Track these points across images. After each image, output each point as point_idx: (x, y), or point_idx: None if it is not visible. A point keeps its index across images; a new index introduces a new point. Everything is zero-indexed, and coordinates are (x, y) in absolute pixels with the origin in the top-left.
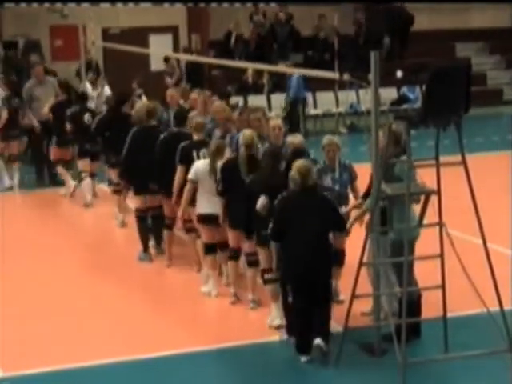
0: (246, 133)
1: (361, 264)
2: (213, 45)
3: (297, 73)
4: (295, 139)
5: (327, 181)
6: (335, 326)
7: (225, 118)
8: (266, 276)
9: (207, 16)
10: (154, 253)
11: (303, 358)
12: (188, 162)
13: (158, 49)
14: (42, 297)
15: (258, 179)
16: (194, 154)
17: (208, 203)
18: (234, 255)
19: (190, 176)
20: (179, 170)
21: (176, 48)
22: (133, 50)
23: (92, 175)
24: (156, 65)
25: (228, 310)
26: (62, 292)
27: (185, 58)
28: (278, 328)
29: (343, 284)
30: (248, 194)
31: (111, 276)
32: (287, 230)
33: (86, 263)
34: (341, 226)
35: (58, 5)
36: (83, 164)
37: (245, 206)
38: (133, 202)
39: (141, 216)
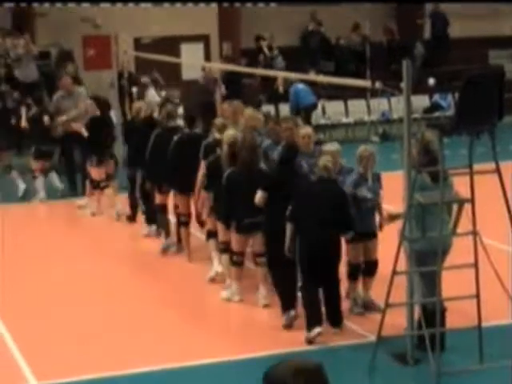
0: (229, 132)
1: (394, 273)
2: (244, 53)
3: (318, 80)
4: (332, 147)
5: (363, 191)
6: (368, 335)
7: (256, 127)
8: (259, 259)
9: (238, 24)
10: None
11: (317, 329)
12: None
13: (190, 58)
14: (69, 304)
15: (236, 173)
16: (218, 151)
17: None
18: (225, 248)
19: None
20: (203, 165)
21: (208, 57)
22: (164, 60)
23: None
24: (187, 74)
25: (250, 318)
26: (88, 299)
27: (218, 66)
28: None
29: (376, 294)
30: (226, 187)
31: (132, 280)
32: (303, 214)
33: (112, 267)
34: (347, 225)
35: (91, 15)
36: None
37: (223, 198)
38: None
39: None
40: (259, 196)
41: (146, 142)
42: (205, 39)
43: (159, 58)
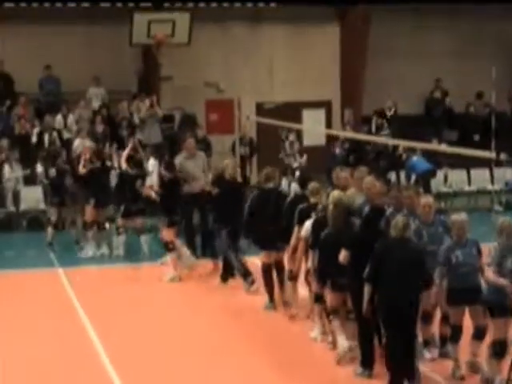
0: (335, 193)
1: None
2: (365, 120)
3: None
4: (459, 217)
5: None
6: None
7: (376, 194)
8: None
9: (360, 91)
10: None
11: None
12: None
13: (311, 124)
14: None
15: (331, 233)
16: (313, 215)
17: None
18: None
19: (303, 233)
20: (297, 229)
21: (329, 123)
22: (286, 126)
23: None
24: (309, 140)
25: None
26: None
27: (342, 134)
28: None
29: None
30: (322, 246)
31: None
32: (383, 273)
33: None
34: (426, 280)
35: (215, 79)
36: None
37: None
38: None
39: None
40: (343, 255)
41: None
42: (327, 105)
43: (281, 123)
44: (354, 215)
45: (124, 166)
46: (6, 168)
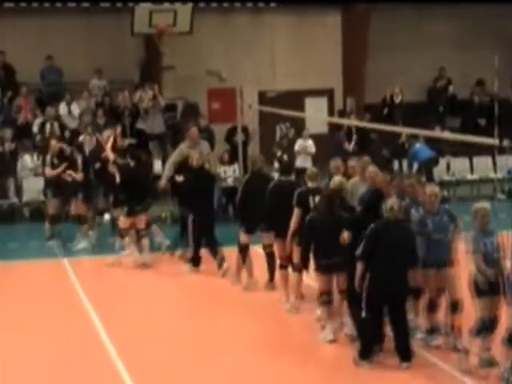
0: (337, 178)
1: None
2: (368, 108)
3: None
4: (482, 205)
5: (481, 247)
6: None
7: (379, 183)
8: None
9: (363, 79)
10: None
11: (365, 363)
12: (304, 206)
13: (314, 112)
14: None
15: (317, 217)
16: (310, 199)
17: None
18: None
19: None
20: (296, 212)
21: (331, 111)
22: (289, 114)
23: None
24: (311, 128)
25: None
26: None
27: (344, 122)
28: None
29: None
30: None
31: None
32: (375, 252)
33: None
34: (413, 262)
35: (217, 68)
36: None
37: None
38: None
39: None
40: (346, 235)
41: None
42: (329, 93)
43: (284, 112)
44: (351, 202)
45: (111, 156)
46: (28, 158)
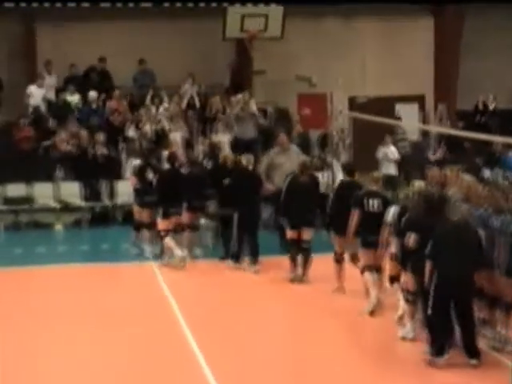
0: (417, 183)
1: None
2: (460, 115)
3: None
4: None
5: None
6: None
7: (475, 196)
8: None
9: (455, 85)
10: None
11: (441, 360)
12: (361, 207)
13: (404, 118)
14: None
15: (411, 218)
16: (365, 201)
17: None
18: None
19: (389, 219)
20: (352, 213)
21: (422, 118)
22: (378, 120)
23: None
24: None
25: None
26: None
27: (435, 129)
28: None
29: None
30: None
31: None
32: (443, 252)
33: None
34: (479, 263)
35: (307, 73)
36: None
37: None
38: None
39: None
40: (413, 238)
41: None
42: (420, 99)
43: (374, 118)
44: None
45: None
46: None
